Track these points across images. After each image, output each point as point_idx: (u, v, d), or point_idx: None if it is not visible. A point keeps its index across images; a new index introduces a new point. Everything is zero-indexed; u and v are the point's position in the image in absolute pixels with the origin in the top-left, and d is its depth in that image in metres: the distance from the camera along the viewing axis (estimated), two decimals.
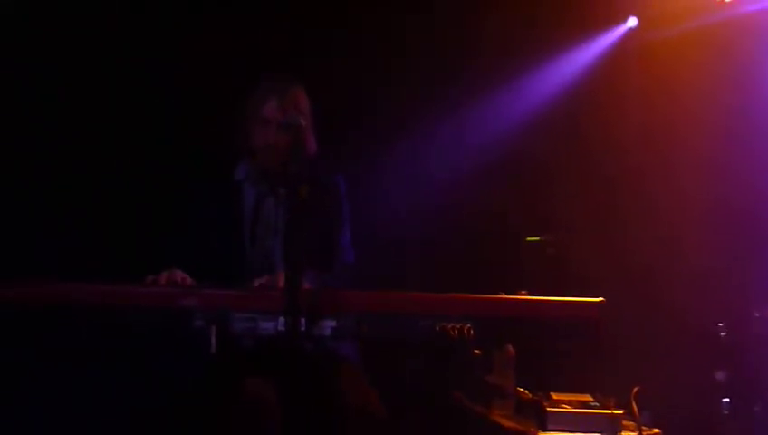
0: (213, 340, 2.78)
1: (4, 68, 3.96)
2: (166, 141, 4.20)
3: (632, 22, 4.90)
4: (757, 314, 4.19)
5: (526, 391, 3.61)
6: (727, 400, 4.17)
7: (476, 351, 3.16)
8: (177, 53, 4.22)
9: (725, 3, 4.63)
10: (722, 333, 4.20)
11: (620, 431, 3.41)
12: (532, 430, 3.43)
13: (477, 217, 4.62)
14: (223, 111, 3.54)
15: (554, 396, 3.57)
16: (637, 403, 3.45)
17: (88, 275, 2.81)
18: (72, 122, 4.13)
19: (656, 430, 3.49)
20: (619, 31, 4.89)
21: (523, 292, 2.92)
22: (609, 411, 3.44)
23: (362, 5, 4.47)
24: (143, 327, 2.77)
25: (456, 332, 2.75)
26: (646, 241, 4.60)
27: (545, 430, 3.43)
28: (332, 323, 2.78)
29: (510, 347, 3.37)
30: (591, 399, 3.55)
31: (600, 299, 2.79)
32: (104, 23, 4.13)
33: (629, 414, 3.47)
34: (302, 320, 2.68)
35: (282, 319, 2.74)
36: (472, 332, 2.74)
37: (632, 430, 3.44)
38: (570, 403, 3.51)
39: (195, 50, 4.22)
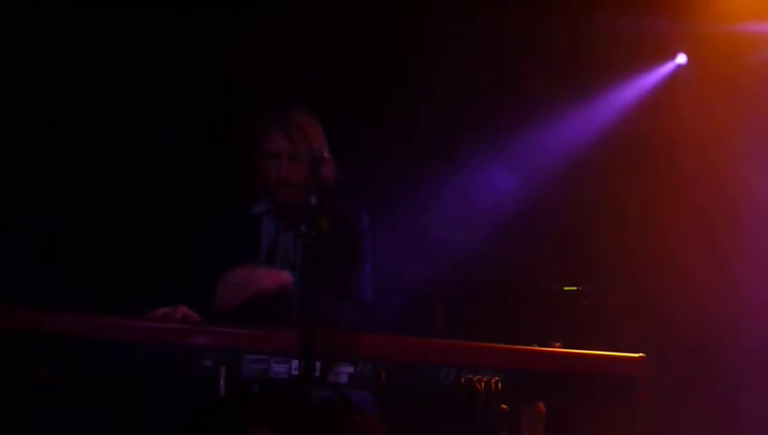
0: (222, 382, 2.60)
1: None
2: (181, 171, 4.13)
3: (681, 58, 4.78)
4: None
5: None
6: None
7: (504, 407, 2.96)
8: (191, 81, 4.17)
9: None
10: None
11: None
12: None
13: (511, 262, 4.50)
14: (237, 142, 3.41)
15: None
16: None
17: (90, 306, 2.69)
18: (84, 150, 4.07)
19: None
20: (668, 68, 4.77)
21: (558, 344, 2.82)
22: None
23: (391, 31, 4.37)
24: (146, 365, 2.64)
25: (483, 385, 2.60)
26: (693, 294, 4.42)
27: None
28: (350, 370, 2.65)
29: (541, 404, 3.19)
30: None
31: (641, 355, 2.66)
32: (114, 52, 4.10)
33: None
34: (318, 364, 2.55)
35: (295, 362, 2.59)
36: (500, 385, 2.60)
37: None
38: None
39: (212, 77, 4.17)
